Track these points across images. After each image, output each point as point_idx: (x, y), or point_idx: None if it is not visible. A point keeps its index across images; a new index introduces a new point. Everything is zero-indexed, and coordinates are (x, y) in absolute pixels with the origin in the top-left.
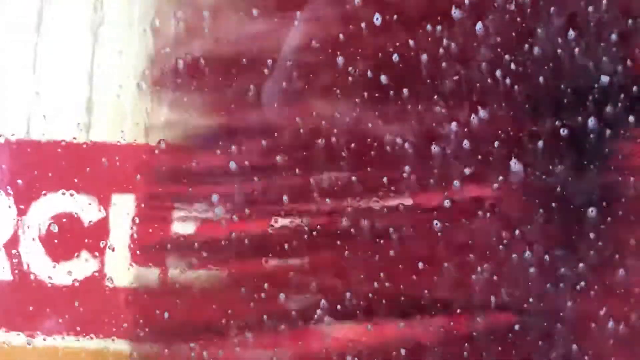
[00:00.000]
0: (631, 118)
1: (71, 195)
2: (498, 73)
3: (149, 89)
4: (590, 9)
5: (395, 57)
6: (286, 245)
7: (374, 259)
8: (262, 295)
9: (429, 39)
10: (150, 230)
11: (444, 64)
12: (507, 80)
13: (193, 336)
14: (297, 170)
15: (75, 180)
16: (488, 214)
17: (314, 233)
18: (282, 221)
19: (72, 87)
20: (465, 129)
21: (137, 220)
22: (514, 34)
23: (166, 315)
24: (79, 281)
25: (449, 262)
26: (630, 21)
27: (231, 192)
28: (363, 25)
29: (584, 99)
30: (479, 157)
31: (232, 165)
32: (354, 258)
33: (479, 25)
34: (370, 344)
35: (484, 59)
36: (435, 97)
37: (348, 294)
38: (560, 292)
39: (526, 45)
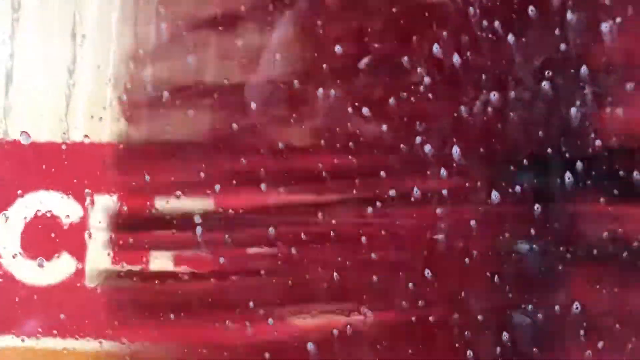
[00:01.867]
0: None
1: (50, 195)
2: None
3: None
4: None
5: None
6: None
7: None
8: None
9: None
10: (131, 229)
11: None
12: None
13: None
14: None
15: (55, 180)
16: None
17: None
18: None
19: (50, 87)
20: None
21: (116, 219)
22: None
23: (146, 313)
24: (58, 281)
25: None
26: None
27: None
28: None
29: None
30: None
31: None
32: None
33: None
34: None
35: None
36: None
37: None
38: None
39: None
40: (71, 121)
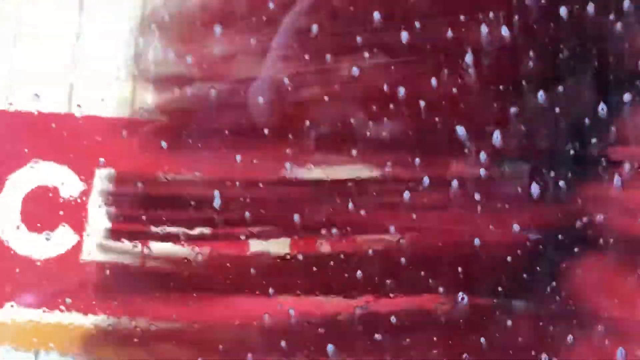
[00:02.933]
0: None
1: (51, 167)
2: None
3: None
4: None
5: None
6: None
7: None
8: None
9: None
10: (130, 204)
11: None
12: None
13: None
14: None
15: (56, 153)
16: None
17: None
18: None
19: (55, 59)
20: None
21: (116, 194)
22: None
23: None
24: (56, 255)
25: None
26: None
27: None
28: None
29: None
30: None
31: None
32: None
33: None
34: None
35: None
36: None
37: None
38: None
39: None
40: (78, 92)
